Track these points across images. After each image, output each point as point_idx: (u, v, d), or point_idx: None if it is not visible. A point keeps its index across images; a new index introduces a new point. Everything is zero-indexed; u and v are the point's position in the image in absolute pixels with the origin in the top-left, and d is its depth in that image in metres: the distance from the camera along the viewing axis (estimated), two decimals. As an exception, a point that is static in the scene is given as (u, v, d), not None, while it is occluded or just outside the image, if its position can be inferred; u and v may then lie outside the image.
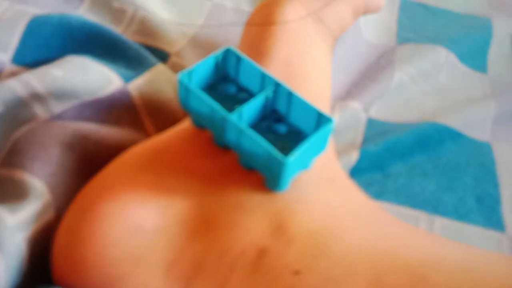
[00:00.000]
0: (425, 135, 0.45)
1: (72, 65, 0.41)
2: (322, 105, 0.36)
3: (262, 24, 0.38)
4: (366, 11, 0.44)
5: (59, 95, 0.39)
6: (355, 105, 0.46)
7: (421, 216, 0.41)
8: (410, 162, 0.44)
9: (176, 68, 0.47)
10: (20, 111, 0.39)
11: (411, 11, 0.57)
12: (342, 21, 0.41)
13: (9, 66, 0.44)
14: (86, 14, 0.51)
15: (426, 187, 0.42)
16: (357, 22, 0.52)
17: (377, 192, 0.42)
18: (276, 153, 0.25)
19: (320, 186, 0.31)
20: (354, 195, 0.33)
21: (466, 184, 0.43)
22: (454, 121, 0.46)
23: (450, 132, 0.45)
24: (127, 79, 0.41)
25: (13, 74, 0.43)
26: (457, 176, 0.43)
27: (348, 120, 0.46)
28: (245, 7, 0.56)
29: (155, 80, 0.42)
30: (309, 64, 0.36)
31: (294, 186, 0.30)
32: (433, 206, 0.41)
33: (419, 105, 0.48)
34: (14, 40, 0.45)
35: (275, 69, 0.35)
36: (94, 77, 0.40)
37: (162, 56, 0.48)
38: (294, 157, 0.26)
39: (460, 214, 0.41)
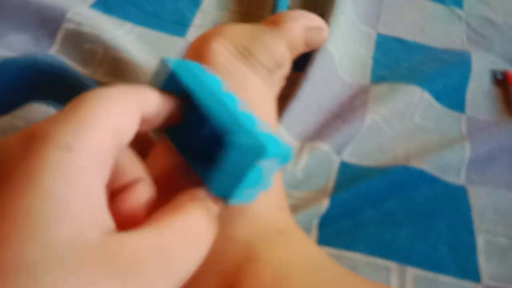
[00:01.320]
0: (397, 180, 0.44)
1: (35, 116, 0.40)
2: None
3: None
4: (308, 46, 0.43)
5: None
6: (324, 147, 0.45)
7: (393, 266, 0.39)
8: (382, 209, 0.43)
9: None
10: None
11: (387, 46, 0.56)
12: (276, 55, 0.40)
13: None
14: (56, 55, 0.50)
15: (398, 236, 0.41)
16: (331, 59, 0.51)
17: (348, 242, 0.40)
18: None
19: (270, 240, 0.31)
20: (305, 248, 0.32)
21: (440, 232, 0.42)
22: (428, 165, 0.45)
23: (423, 176, 0.44)
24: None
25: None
26: (430, 223, 0.42)
27: (319, 164, 0.45)
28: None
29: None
30: (240, 96, 0.35)
31: (243, 240, 0.30)
32: (405, 255, 0.40)
33: (392, 147, 0.47)
34: None
35: None
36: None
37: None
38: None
39: (432, 263, 0.40)
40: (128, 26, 0.54)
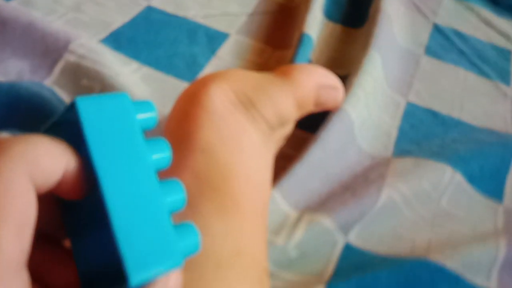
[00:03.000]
0: (412, 276, 0.35)
1: None
2: (248, 205, 0.29)
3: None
4: (318, 106, 0.37)
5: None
6: (327, 223, 0.37)
7: None
8: (390, 310, 0.33)
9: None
10: None
11: (417, 118, 0.48)
12: (281, 111, 0.34)
13: None
14: (52, 87, 0.45)
15: None
16: (350, 123, 0.43)
17: None
18: None
19: None
20: None
21: None
22: (452, 261, 0.36)
23: (445, 274, 0.35)
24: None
25: None
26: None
27: (317, 242, 0.36)
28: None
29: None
30: (234, 153, 0.30)
31: None
32: None
33: (410, 234, 0.38)
34: None
35: (194, 159, 0.29)
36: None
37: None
38: None
39: None
40: (135, 65, 0.49)
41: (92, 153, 0.18)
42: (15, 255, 0.16)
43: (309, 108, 0.36)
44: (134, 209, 0.19)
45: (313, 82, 0.36)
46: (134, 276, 0.17)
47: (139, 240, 0.18)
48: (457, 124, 0.48)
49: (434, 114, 0.49)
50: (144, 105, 0.21)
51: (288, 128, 0.36)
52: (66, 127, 0.19)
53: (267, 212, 0.32)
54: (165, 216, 0.19)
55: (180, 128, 0.32)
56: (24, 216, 0.16)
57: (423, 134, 0.47)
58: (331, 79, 0.37)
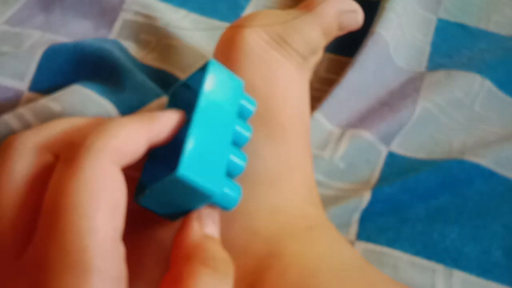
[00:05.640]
0: (450, 175, 0.37)
1: (73, 98, 0.37)
2: (292, 129, 0.32)
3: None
4: (342, 29, 0.38)
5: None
6: (368, 136, 0.40)
7: (438, 268, 0.33)
8: (432, 206, 0.36)
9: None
10: None
11: (448, 32, 0.49)
12: (310, 41, 0.36)
13: (27, 94, 0.42)
14: (114, 39, 0.48)
15: (447, 235, 0.35)
16: (385, 45, 0.44)
17: (391, 239, 0.35)
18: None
19: (297, 236, 0.27)
20: (337, 248, 0.28)
21: (494, 233, 0.35)
22: (486, 159, 0.38)
23: (479, 170, 0.37)
24: (127, 112, 0.37)
25: (29, 101, 0.41)
26: (484, 223, 0.35)
27: (361, 153, 0.39)
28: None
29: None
30: (274, 86, 0.32)
31: (267, 235, 0.26)
32: (453, 257, 0.34)
33: (447, 138, 0.40)
34: (31, 69, 0.43)
35: None
36: (93, 113, 0.36)
37: (175, 83, 0.44)
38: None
39: (483, 268, 0.33)
40: (183, 12, 0.51)
41: (199, 102, 0.23)
42: (110, 233, 0.18)
43: (334, 33, 0.38)
44: (208, 145, 0.22)
45: (334, 9, 0.37)
46: (183, 170, 0.20)
47: (200, 161, 0.22)
48: (485, 34, 0.49)
49: (463, 27, 0.49)
50: (249, 98, 0.27)
51: (319, 55, 0.38)
52: (194, 81, 0.25)
53: (309, 132, 0.34)
54: (225, 161, 0.23)
55: None
56: (114, 198, 0.19)
57: (454, 47, 0.47)
58: (349, 4, 0.38)
